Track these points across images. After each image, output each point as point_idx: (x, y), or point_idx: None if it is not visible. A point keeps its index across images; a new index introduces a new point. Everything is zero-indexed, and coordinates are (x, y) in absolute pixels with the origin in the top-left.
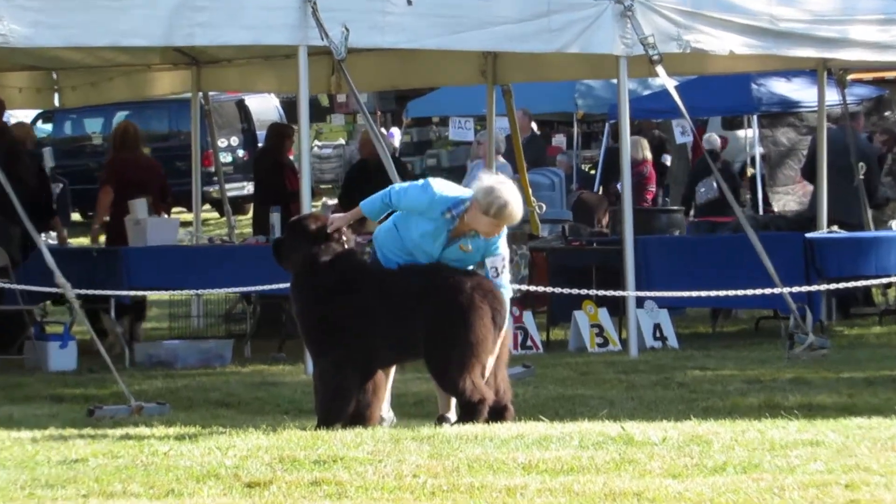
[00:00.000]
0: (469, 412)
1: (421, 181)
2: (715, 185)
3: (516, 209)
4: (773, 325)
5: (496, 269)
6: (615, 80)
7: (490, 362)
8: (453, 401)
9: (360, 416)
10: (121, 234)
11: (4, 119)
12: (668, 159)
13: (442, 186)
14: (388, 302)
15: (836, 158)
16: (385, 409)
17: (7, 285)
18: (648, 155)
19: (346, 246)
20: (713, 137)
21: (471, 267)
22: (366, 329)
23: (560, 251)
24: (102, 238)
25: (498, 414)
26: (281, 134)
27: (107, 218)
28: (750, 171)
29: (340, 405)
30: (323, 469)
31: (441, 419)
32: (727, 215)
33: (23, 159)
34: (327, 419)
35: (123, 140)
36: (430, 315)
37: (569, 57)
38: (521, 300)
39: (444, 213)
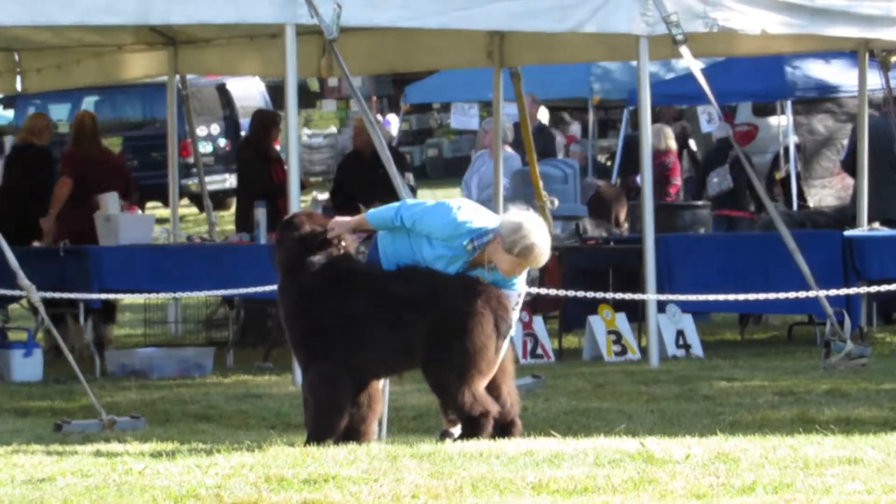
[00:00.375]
0: (471, 427)
1: (436, 202)
2: (729, 175)
3: (543, 252)
4: (808, 332)
5: None
6: (635, 63)
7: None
8: None
9: (353, 432)
10: (78, 233)
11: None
12: (693, 144)
13: (467, 213)
14: (384, 307)
15: (878, 149)
16: None
17: None
18: (672, 144)
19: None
20: (725, 125)
21: None
22: (360, 336)
23: (574, 251)
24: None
25: (505, 429)
26: (266, 122)
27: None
28: (778, 174)
29: (332, 419)
30: (313, 489)
31: (444, 434)
32: (743, 208)
33: None
34: (318, 434)
35: (80, 133)
36: (427, 321)
37: (584, 37)
38: (532, 304)
39: (466, 244)
